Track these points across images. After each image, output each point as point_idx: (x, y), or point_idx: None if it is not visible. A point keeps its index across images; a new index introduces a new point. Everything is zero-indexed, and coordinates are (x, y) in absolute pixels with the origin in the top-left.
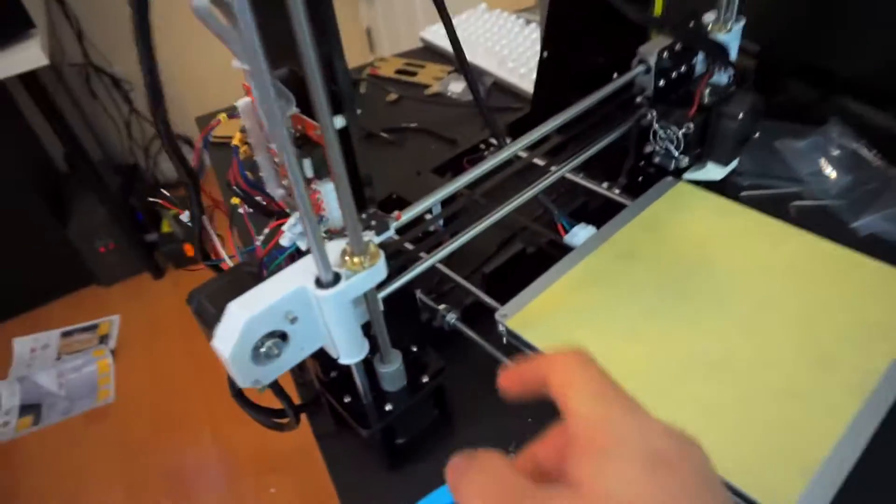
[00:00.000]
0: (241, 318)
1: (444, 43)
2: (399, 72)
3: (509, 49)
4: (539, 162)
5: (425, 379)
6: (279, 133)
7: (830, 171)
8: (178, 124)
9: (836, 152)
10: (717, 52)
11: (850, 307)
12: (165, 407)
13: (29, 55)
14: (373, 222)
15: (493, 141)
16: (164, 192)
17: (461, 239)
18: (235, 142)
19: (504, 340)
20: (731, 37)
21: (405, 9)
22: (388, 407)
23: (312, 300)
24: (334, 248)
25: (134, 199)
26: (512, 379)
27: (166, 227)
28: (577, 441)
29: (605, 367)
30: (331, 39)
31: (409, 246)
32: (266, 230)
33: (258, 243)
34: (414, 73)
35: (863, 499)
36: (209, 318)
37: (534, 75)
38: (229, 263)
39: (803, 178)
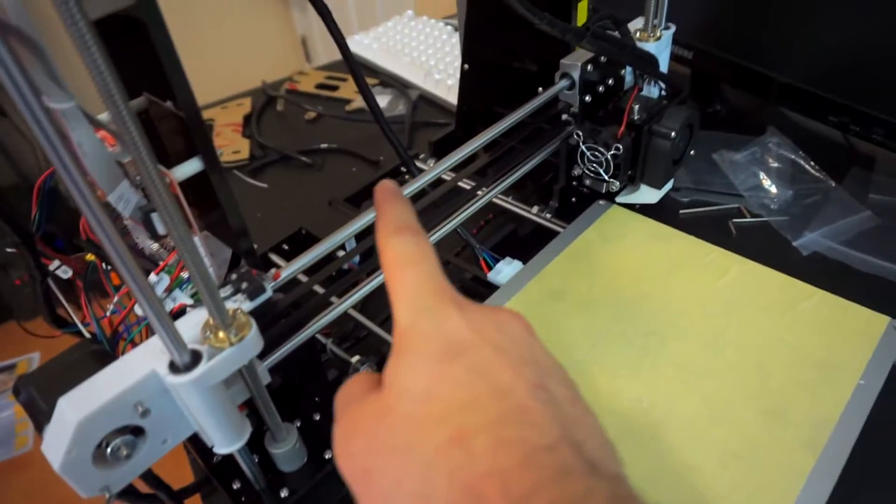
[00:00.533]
0: (72, 418)
1: (368, 54)
2: (319, 86)
3: (435, 59)
4: (465, 185)
5: (329, 454)
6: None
7: (770, 185)
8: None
9: (774, 164)
10: (645, 65)
11: (796, 345)
12: None
13: None
14: (243, 284)
15: (418, 162)
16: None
17: (375, 281)
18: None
19: None
20: (660, 45)
21: (338, 16)
22: (285, 493)
23: (168, 386)
24: (194, 320)
25: (53, 224)
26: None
27: (89, 256)
28: (392, 348)
29: (436, 266)
30: (164, 52)
31: (317, 288)
32: (117, 295)
33: (108, 313)
34: (335, 88)
35: None
36: (39, 416)
37: None
38: (86, 334)
39: (742, 192)
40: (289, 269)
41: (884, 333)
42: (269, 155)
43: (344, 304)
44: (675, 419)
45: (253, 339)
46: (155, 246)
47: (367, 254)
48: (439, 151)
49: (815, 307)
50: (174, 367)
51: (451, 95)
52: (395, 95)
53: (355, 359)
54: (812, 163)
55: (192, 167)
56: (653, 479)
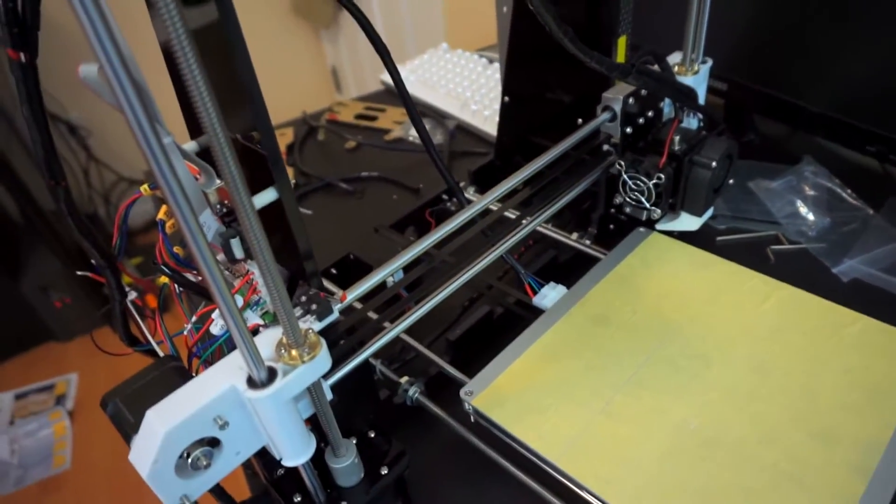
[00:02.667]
0: (159, 429)
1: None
2: (359, 116)
3: (472, 91)
4: (510, 215)
5: (385, 470)
6: (180, 216)
7: (807, 213)
8: (133, 165)
9: (811, 192)
10: (686, 98)
11: (843, 369)
12: (125, 474)
13: None
14: (313, 306)
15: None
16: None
17: (425, 307)
18: (161, 215)
19: (472, 419)
20: (698, 79)
21: (369, 47)
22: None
23: (245, 401)
24: (268, 338)
25: (78, 271)
26: None
27: (127, 278)
28: None
29: None
30: (251, 93)
31: (371, 314)
32: (195, 316)
33: (186, 331)
34: (374, 118)
35: None
36: (127, 427)
37: (497, 118)
38: (159, 352)
39: (779, 219)
40: (352, 294)
41: None
42: (313, 182)
43: (396, 329)
44: (724, 441)
45: (323, 357)
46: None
47: (415, 283)
48: (479, 180)
49: (858, 332)
50: (252, 383)
51: (487, 125)
52: (433, 126)
53: (404, 379)
54: (849, 191)
55: (268, 196)
56: (704, 500)
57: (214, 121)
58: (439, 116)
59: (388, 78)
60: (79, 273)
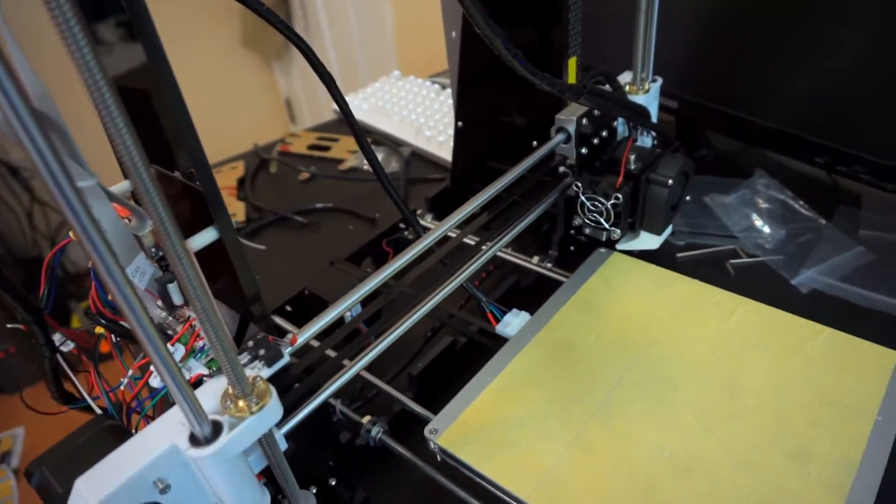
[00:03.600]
0: (90, 500)
1: (359, 114)
2: (311, 147)
3: (425, 117)
4: (469, 241)
5: None
6: (100, 264)
7: (762, 225)
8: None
9: (765, 205)
10: (639, 117)
11: (810, 384)
12: None
13: None
14: (261, 351)
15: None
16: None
17: (385, 341)
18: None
19: (438, 458)
20: (649, 97)
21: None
22: None
23: (189, 460)
24: (212, 389)
25: (8, 324)
26: None
27: (76, 323)
28: None
29: None
30: (182, 129)
31: (329, 352)
32: (131, 369)
33: (123, 385)
34: (327, 148)
35: None
36: (55, 500)
37: (451, 144)
38: (96, 409)
39: (736, 233)
40: (304, 335)
41: (895, 369)
42: (265, 217)
43: (356, 367)
44: (699, 468)
45: (273, 406)
46: (163, 315)
47: (374, 317)
48: (436, 207)
49: (823, 345)
50: (195, 440)
51: (442, 151)
52: (388, 153)
53: (366, 419)
54: (801, 202)
55: (208, 237)
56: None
57: (135, 158)
58: (394, 144)
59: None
60: (9, 325)
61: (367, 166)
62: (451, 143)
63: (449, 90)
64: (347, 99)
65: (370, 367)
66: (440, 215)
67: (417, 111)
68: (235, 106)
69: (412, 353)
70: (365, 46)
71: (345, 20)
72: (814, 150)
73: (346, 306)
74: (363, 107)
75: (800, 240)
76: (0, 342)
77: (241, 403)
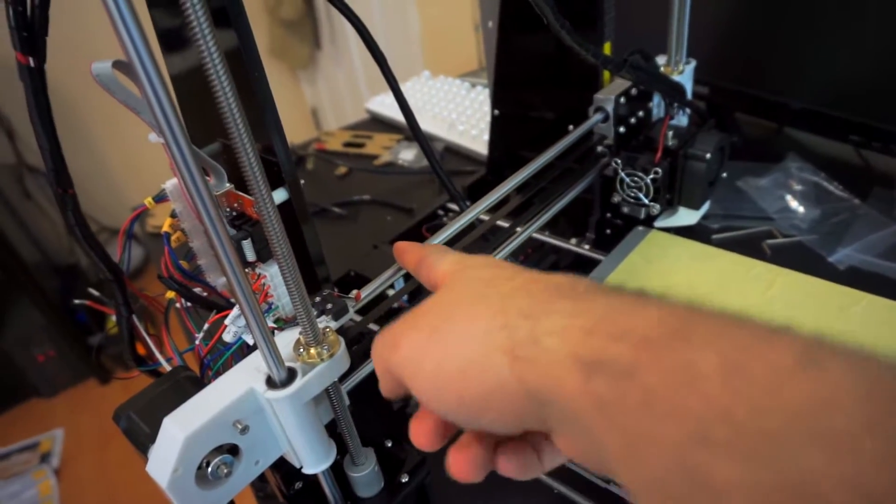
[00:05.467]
0: (178, 436)
1: (391, 112)
2: (346, 144)
3: (457, 113)
4: (503, 224)
5: (405, 478)
6: (204, 213)
7: (797, 206)
8: (117, 215)
9: (798, 187)
10: (677, 93)
11: (856, 336)
12: None
13: None
14: (328, 306)
15: (452, 206)
16: (93, 291)
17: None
18: (166, 228)
19: None
20: (684, 78)
21: (349, 84)
22: None
23: (265, 404)
24: (286, 339)
25: (76, 300)
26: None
27: (112, 327)
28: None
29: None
30: (264, 107)
31: (372, 326)
32: (206, 325)
33: (198, 341)
34: (362, 145)
35: None
36: (142, 438)
37: (485, 137)
38: (168, 367)
39: (772, 214)
40: (367, 291)
41: None
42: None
43: None
44: None
45: (342, 355)
46: (223, 280)
47: (416, 293)
48: (473, 195)
49: (864, 310)
50: (271, 384)
51: (475, 144)
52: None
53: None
54: (835, 183)
55: (280, 196)
56: None
57: (240, 127)
58: (428, 139)
59: (373, 106)
60: (76, 302)
61: (402, 161)
62: (484, 137)
63: (479, 87)
64: (379, 98)
65: None
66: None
67: (449, 108)
68: None
69: None
70: (392, 49)
71: (371, 24)
72: (847, 128)
73: (390, 278)
74: (396, 105)
75: (835, 219)
76: (39, 346)
77: (312, 351)
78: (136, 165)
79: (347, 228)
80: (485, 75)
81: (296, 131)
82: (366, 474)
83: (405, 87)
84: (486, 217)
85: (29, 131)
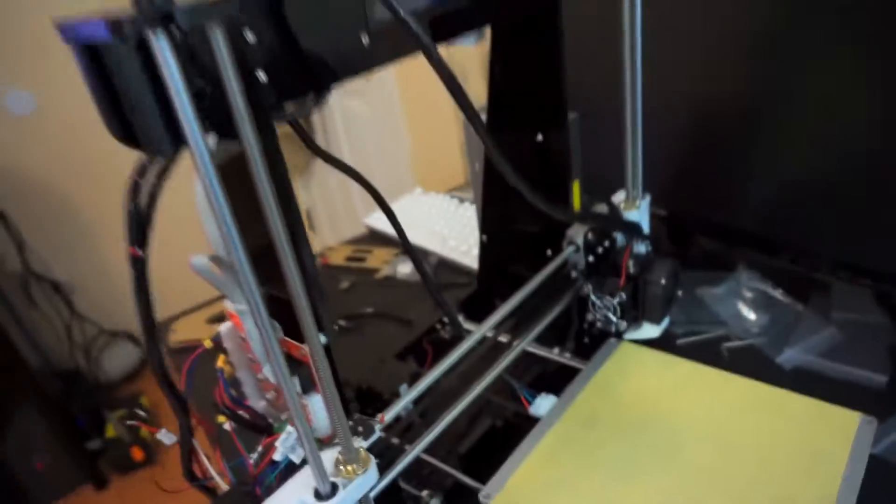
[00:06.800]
0: None
1: (388, 228)
2: (349, 259)
3: (448, 228)
4: (502, 339)
5: None
6: (277, 366)
7: (748, 312)
8: (118, 318)
9: (749, 294)
10: (633, 230)
11: (791, 442)
12: None
13: None
14: (360, 428)
15: (442, 324)
16: (141, 413)
17: (440, 426)
18: (220, 364)
19: None
20: (641, 212)
21: (342, 191)
22: None
23: None
24: (326, 458)
25: (75, 404)
26: None
27: (111, 432)
28: None
29: None
30: (309, 271)
31: (394, 440)
32: (259, 447)
33: (251, 461)
34: (363, 259)
35: None
36: None
37: (473, 251)
38: (218, 482)
39: (727, 320)
40: (389, 414)
41: (858, 428)
42: None
43: (417, 449)
44: None
45: (373, 470)
46: (262, 404)
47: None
48: (466, 308)
49: (801, 410)
50: (318, 496)
51: (466, 259)
52: None
53: (425, 493)
54: (780, 290)
55: (322, 340)
56: None
57: (300, 294)
58: (422, 254)
59: (371, 222)
60: (128, 423)
61: (401, 274)
62: (474, 252)
63: (467, 203)
64: (377, 215)
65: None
66: (470, 316)
67: (441, 223)
68: None
69: (457, 435)
70: (385, 167)
71: (366, 144)
72: (784, 247)
73: (408, 401)
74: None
75: (782, 323)
76: (39, 453)
77: (349, 468)
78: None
79: (354, 341)
80: (471, 190)
81: None
82: None
83: (400, 204)
84: (489, 334)
85: (36, 241)
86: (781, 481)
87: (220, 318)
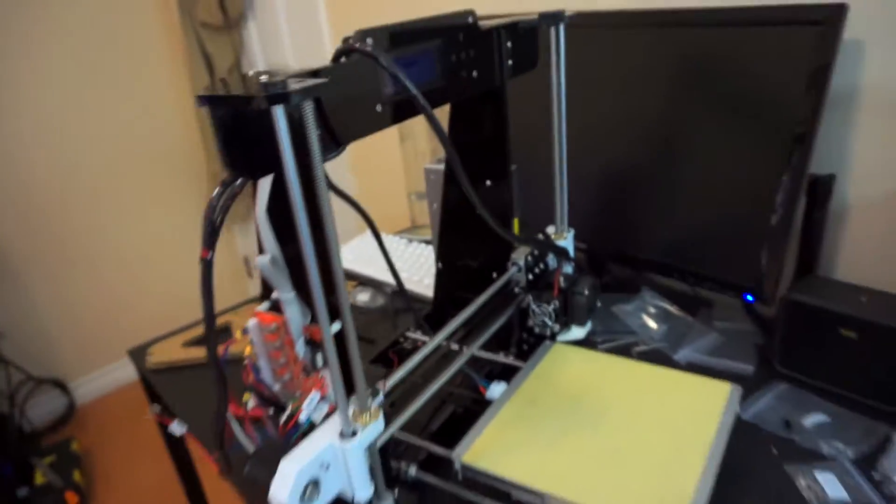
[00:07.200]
0: (292, 470)
1: (347, 263)
2: None
3: (401, 262)
4: (454, 347)
5: None
6: (330, 348)
7: (652, 324)
8: (45, 364)
9: (652, 310)
10: (562, 254)
11: (682, 404)
12: None
13: None
14: (369, 390)
15: (407, 334)
16: (154, 406)
17: (416, 405)
18: (248, 353)
19: (459, 476)
20: (567, 242)
21: None
22: None
23: (337, 452)
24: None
25: (1, 452)
26: None
27: (40, 479)
28: None
29: None
30: (333, 267)
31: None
32: (287, 411)
33: (283, 418)
34: None
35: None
36: (263, 475)
37: (425, 281)
38: (246, 445)
39: (636, 329)
40: (390, 381)
41: (729, 392)
42: None
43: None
44: (618, 452)
45: (381, 420)
46: (277, 386)
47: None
48: (425, 325)
49: (688, 384)
50: (343, 437)
51: (419, 287)
52: (374, 292)
53: (402, 463)
54: (676, 306)
55: (336, 327)
56: (612, 484)
57: (318, 286)
58: (378, 284)
59: None
60: (153, 410)
61: (360, 302)
62: (425, 282)
63: (414, 243)
64: None
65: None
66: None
67: (394, 258)
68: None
69: (424, 423)
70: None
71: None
72: (678, 273)
73: (397, 379)
74: (349, 257)
75: (677, 332)
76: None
77: (364, 417)
78: (72, 316)
79: None
80: (419, 232)
81: (229, 278)
82: None
83: (355, 243)
84: (444, 343)
85: None
86: (676, 432)
87: (196, 341)
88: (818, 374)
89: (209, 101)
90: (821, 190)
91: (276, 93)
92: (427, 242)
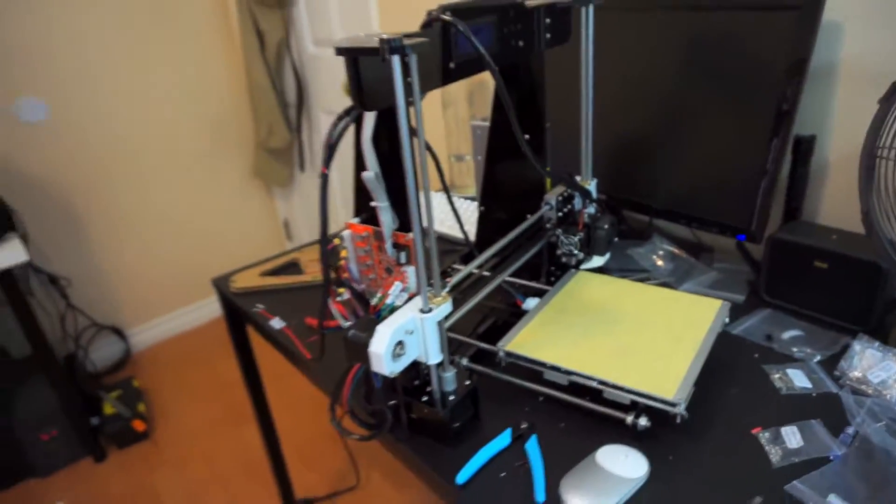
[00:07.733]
0: (388, 331)
1: None
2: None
3: (443, 214)
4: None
5: (467, 382)
6: (419, 247)
7: (661, 263)
8: (104, 313)
9: (661, 252)
10: (587, 194)
11: (681, 315)
12: None
13: (11, 254)
14: (441, 281)
15: (454, 266)
16: (259, 306)
17: (471, 302)
18: (343, 255)
19: (502, 364)
20: (591, 187)
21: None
22: (451, 397)
23: (418, 322)
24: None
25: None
26: None
27: (109, 409)
28: None
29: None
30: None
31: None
32: (378, 294)
33: (374, 302)
34: None
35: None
36: (363, 339)
37: (466, 228)
38: (343, 324)
39: (647, 268)
40: (455, 278)
41: (720, 306)
42: None
43: (460, 313)
44: (631, 347)
45: (450, 302)
46: (362, 286)
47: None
48: (466, 260)
49: (688, 301)
50: (422, 312)
51: (457, 233)
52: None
53: (456, 356)
54: (681, 249)
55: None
56: (623, 368)
57: (415, 205)
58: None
59: None
60: (254, 309)
61: None
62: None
63: (454, 198)
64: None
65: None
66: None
67: (438, 211)
68: (239, 225)
69: (475, 324)
70: None
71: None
72: (684, 218)
73: (457, 279)
74: None
75: (682, 269)
76: (45, 426)
77: (437, 299)
78: (131, 270)
79: None
80: (458, 191)
81: (267, 242)
82: (452, 375)
83: None
84: (475, 271)
85: (40, 234)
86: (675, 333)
87: (273, 271)
88: (796, 299)
89: (346, 51)
90: (804, 148)
91: (396, 45)
92: (465, 198)
